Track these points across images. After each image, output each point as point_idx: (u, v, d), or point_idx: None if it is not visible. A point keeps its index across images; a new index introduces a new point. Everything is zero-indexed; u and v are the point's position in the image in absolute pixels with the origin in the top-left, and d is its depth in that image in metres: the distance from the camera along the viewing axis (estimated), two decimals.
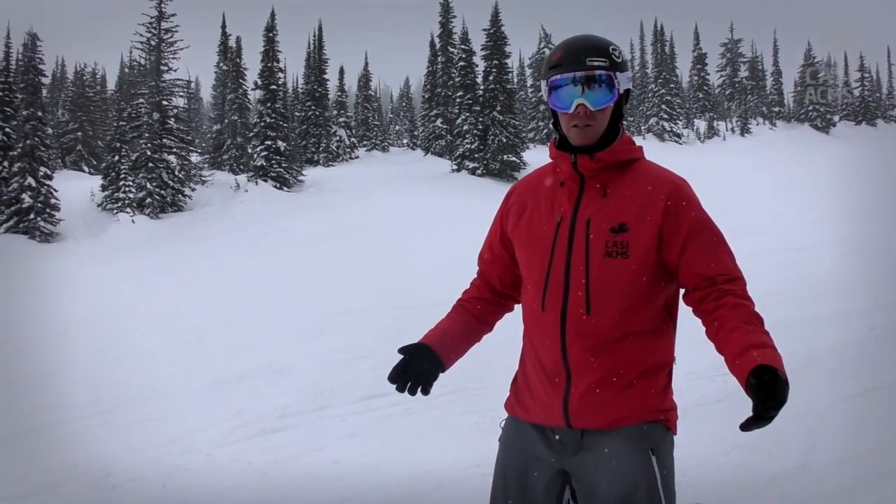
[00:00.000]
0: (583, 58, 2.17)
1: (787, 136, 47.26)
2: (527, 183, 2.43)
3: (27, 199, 26.60)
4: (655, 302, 2.21)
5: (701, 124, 48.41)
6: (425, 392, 2.28)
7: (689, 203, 2.21)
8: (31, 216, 26.44)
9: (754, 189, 27.34)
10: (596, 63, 2.17)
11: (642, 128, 47.32)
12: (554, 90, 2.22)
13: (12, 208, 26.66)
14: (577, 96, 2.17)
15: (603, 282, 2.15)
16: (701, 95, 52.95)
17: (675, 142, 45.41)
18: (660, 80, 48.77)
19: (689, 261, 2.17)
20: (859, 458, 4.52)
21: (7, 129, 29.11)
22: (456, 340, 2.43)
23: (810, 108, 51.60)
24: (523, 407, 2.34)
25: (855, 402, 5.70)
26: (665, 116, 46.69)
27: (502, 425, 2.41)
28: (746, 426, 1.89)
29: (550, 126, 2.35)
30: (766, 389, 1.85)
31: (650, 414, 2.20)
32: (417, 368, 2.29)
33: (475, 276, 2.59)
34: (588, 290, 2.15)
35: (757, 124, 49.56)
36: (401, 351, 2.32)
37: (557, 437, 2.23)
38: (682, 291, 2.29)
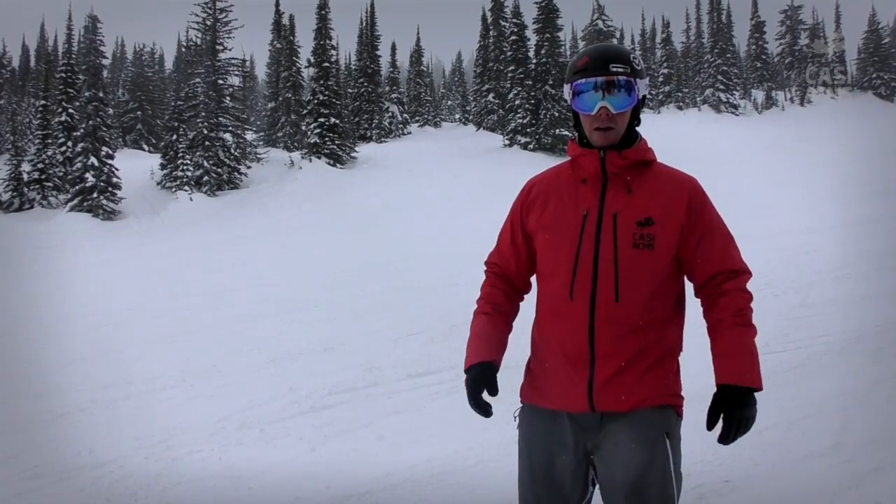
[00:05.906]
0: (606, 64, 2.33)
1: (849, 105, 45.83)
2: (545, 178, 2.55)
3: (90, 178, 27.39)
4: (672, 292, 2.39)
5: (759, 94, 47.22)
6: (494, 393, 2.44)
7: (706, 202, 2.41)
8: (95, 195, 27.22)
9: (810, 161, 26.77)
10: (618, 69, 2.33)
11: (697, 99, 46.43)
12: (578, 94, 2.37)
13: (76, 187, 27.50)
14: (599, 100, 2.33)
15: (631, 271, 2.30)
16: (759, 65, 51.61)
17: (732, 113, 44.39)
18: (716, 50, 47.62)
19: (701, 257, 2.37)
20: (893, 438, 4.57)
21: (70, 111, 30.01)
22: (499, 345, 2.55)
23: (874, 75, 49.96)
24: (541, 394, 2.47)
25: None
26: (721, 87, 45.60)
27: (517, 415, 2.54)
28: (723, 440, 2.30)
29: (571, 127, 2.47)
30: (726, 424, 2.26)
31: (665, 398, 2.36)
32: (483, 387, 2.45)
33: (487, 276, 2.67)
34: (617, 279, 2.30)
35: (817, 93, 48.14)
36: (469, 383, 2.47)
37: (578, 421, 2.38)
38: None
